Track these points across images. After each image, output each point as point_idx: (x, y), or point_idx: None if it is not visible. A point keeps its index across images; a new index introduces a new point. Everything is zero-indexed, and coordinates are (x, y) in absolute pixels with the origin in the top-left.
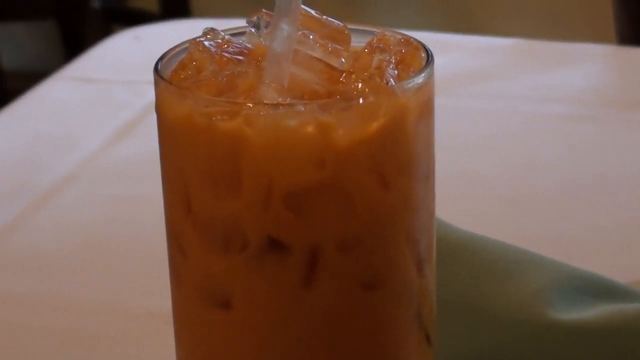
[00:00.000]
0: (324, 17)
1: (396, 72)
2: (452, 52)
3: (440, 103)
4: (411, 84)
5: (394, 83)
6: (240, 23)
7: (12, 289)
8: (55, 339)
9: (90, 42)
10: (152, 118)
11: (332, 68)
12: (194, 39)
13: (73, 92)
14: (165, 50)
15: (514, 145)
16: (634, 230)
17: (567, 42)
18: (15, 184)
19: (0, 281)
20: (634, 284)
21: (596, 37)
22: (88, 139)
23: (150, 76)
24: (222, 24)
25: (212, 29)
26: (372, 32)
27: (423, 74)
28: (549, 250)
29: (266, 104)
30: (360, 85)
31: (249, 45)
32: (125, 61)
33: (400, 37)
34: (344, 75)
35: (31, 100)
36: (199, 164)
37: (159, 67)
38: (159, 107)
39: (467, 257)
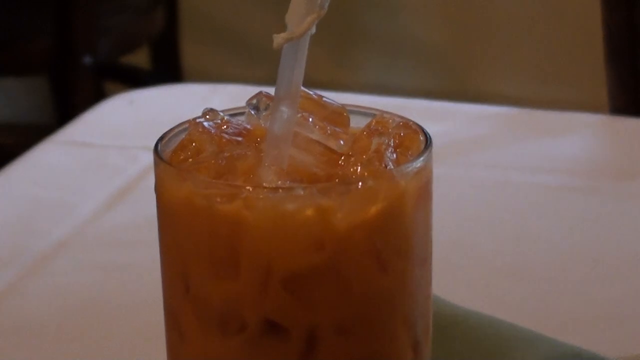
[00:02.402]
0: (323, 98)
1: (395, 155)
2: (445, 120)
3: (434, 173)
4: (410, 168)
5: (392, 167)
6: (236, 89)
7: (5, 358)
8: None
9: (81, 97)
10: (146, 184)
11: (331, 151)
12: (194, 119)
13: (67, 156)
14: (160, 117)
15: (507, 215)
16: (627, 304)
17: (560, 108)
18: (8, 250)
19: None
20: (625, 359)
21: (589, 102)
22: (82, 205)
23: (144, 141)
24: (217, 90)
25: (212, 110)
26: (371, 114)
27: (422, 158)
28: (542, 324)
29: (265, 187)
30: (359, 169)
31: (249, 127)
32: (120, 126)
33: (399, 119)
34: (343, 158)
35: (25, 165)
36: (198, 245)
37: (159, 148)
38: (159, 188)
39: (462, 334)
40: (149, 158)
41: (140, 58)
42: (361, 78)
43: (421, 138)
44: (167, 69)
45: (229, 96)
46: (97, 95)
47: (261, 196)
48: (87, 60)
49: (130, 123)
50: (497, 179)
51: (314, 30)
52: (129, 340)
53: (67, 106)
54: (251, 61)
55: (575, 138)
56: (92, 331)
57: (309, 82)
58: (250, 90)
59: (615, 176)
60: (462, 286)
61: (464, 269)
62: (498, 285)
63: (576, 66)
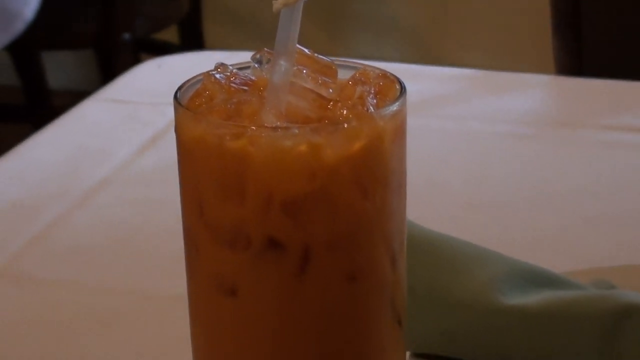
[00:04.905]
0: (316, 54)
1: (375, 101)
2: (421, 80)
3: (410, 123)
4: (387, 111)
5: (373, 110)
6: (246, 56)
7: (58, 275)
8: (92, 316)
9: (121, 67)
10: (172, 134)
11: (322, 97)
12: (207, 72)
13: (107, 111)
14: (183, 78)
15: (470, 158)
16: (567, 229)
17: (514, 71)
18: (60, 187)
19: (47, 268)
20: (567, 273)
21: (539, 66)
22: (119, 151)
23: (170, 98)
24: (231, 56)
25: (222, 64)
26: (355, 67)
27: (397, 103)
28: (499, 246)
29: (267, 127)
30: (345, 112)
31: (253, 78)
32: (150, 86)
33: (378, 71)
34: (331, 103)
35: (72, 118)
36: (211, 177)
37: (178, 96)
38: (178, 129)
39: (433, 252)
40: (174, 117)
41: (170, 35)
42: (350, 51)
43: (397, 87)
44: (192, 45)
45: (243, 60)
46: (135, 66)
47: (263, 134)
48: (127, 37)
49: (159, 83)
50: (461, 128)
51: None
52: (159, 259)
53: (110, 75)
54: (264, 39)
55: (527, 94)
56: (129, 253)
57: None
58: None
59: (559, 125)
60: (434, 215)
61: (435, 202)
62: (462, 214)
63: (527, 39)
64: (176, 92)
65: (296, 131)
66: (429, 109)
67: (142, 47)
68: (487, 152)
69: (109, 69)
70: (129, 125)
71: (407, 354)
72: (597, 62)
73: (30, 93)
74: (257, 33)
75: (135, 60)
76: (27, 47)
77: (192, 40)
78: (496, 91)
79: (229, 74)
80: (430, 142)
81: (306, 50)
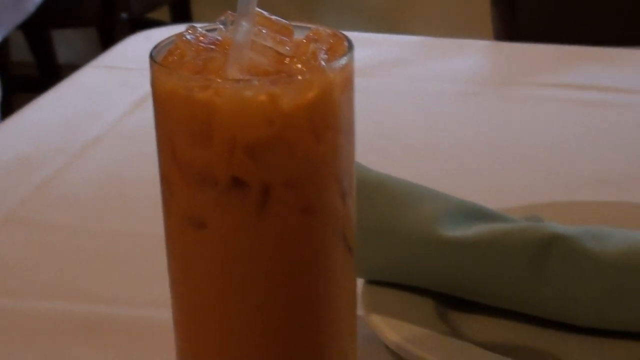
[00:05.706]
0: (274, 17)
1: (326, 56)
2: (376, 46)
3: (366, 84)
4: (337, 65)
5: (324, 64)
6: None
7: (58, 220)
8: (88, 255)
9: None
10: None
11: (280, 54)
12: (179, 33)
13: (101, 76)
14: None
15: (419, 113)
16: (504, 172)
17: (458, 38)
18: (60, 143)
19: (48, 214)
20: (502, 210)
21: (479, 34)
22: (112, 110)
23: None
24: (212, 26)
25: (192, 26)
26: (309, 28)
27: (345, 57)
28: (442, 187)
29: (230, 80)
30: (299, 66)
31: (219, 38)
32: (139, 54)
33: (329, 31)
34: (288, 58)
35: (72, 83)
36: (182, 124)
37: (154, 54)
38: (153, 83)
39: (382, 191)
40: (150, 72)
41: (162, 14)
42: (316, 21)
43: (345, 44)
44: (182, 23)
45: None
46: None
47: (227, 86)
48: (124, 16)
49: (147, 52)
50: (412, 87)
51: None
52: (144, 204)
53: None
54: None
55: (470, 57)
56: (120, 199)
57: None
58: None
59: (498, 83)
60: (385, 161)
61: (386, 150)
62: (413, 162)
63: (470, 11)
64: (152, 51)
65: (256, 83)
66: (383, 71)
67: (138, 26)
68: (435, 107)
69: (109, 45)
70: (120, 88)
71: (361, 282)
72: (528, 30)
73: (42, 67)
74: None
75: None
76: (39, 26)
77: (182, 19)
78: (442, 55)
79: (198, 34)
80: (383, 100)
81: (265, 13)
